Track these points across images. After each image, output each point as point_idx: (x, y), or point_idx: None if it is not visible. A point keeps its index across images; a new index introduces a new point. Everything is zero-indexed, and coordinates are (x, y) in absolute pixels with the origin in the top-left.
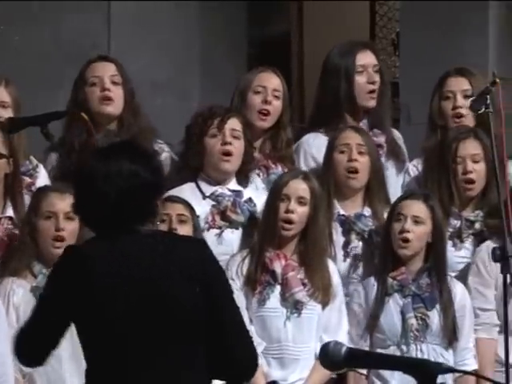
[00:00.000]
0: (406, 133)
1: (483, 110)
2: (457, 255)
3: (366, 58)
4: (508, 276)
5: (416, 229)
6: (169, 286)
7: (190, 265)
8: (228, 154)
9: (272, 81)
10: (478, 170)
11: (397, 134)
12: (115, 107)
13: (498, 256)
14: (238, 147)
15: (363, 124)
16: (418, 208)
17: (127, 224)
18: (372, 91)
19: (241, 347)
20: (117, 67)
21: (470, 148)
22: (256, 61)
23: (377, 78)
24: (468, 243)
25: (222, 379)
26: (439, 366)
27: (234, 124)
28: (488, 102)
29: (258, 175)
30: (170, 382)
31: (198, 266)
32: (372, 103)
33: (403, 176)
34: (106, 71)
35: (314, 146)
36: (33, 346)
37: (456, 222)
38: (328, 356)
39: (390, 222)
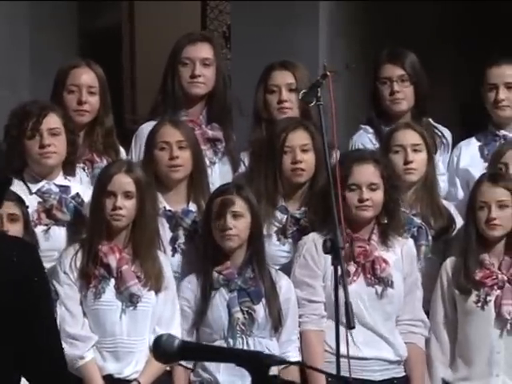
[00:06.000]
0: (239, 125)
1: (314, 102)
2: (281, 249)
3: (192, 52)
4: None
5: (237, 223)
6: None
7: (13, 268)
8: (49, 154)
9: (85, 77)
10: (306, 160)
11: (234, 138)
12: None
13: (329, 248)
14: (58, 145)
15: (202, 117)
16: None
17: None
18: (196, 82)
19: (49, 357)
20: None
21: (300, 138)
22: (87, 51)
23: (205, 71)
24: (291, 237)
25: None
26: (271, 358)
27: (50, 122)
28: (319, 94)
29: (83, 169)
30: None
31: (22, 270)
32: (198, 90)
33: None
34: None
35: None
36: None
37: (282, 217)
38: (160, 348)
39: (208, 218)
